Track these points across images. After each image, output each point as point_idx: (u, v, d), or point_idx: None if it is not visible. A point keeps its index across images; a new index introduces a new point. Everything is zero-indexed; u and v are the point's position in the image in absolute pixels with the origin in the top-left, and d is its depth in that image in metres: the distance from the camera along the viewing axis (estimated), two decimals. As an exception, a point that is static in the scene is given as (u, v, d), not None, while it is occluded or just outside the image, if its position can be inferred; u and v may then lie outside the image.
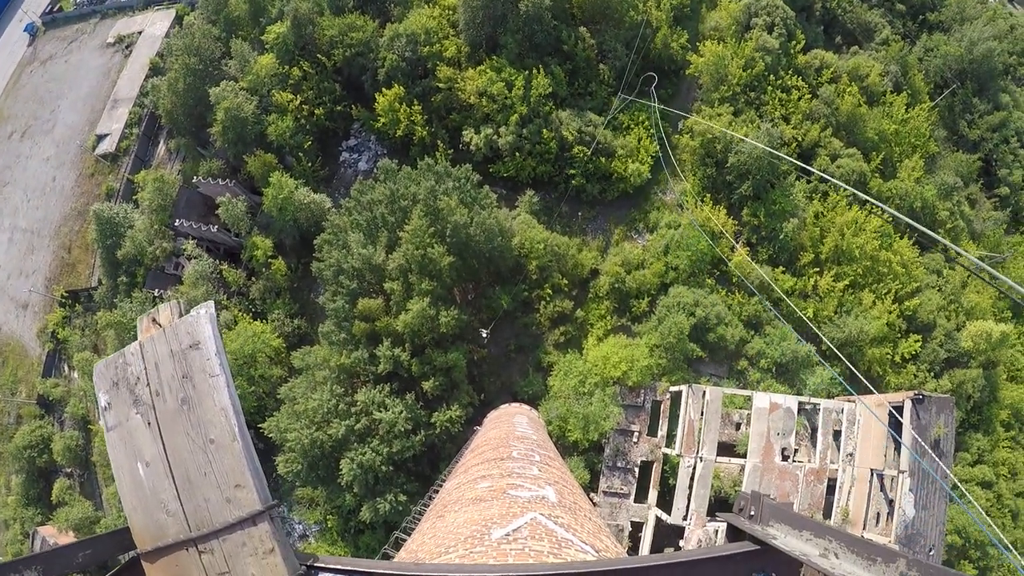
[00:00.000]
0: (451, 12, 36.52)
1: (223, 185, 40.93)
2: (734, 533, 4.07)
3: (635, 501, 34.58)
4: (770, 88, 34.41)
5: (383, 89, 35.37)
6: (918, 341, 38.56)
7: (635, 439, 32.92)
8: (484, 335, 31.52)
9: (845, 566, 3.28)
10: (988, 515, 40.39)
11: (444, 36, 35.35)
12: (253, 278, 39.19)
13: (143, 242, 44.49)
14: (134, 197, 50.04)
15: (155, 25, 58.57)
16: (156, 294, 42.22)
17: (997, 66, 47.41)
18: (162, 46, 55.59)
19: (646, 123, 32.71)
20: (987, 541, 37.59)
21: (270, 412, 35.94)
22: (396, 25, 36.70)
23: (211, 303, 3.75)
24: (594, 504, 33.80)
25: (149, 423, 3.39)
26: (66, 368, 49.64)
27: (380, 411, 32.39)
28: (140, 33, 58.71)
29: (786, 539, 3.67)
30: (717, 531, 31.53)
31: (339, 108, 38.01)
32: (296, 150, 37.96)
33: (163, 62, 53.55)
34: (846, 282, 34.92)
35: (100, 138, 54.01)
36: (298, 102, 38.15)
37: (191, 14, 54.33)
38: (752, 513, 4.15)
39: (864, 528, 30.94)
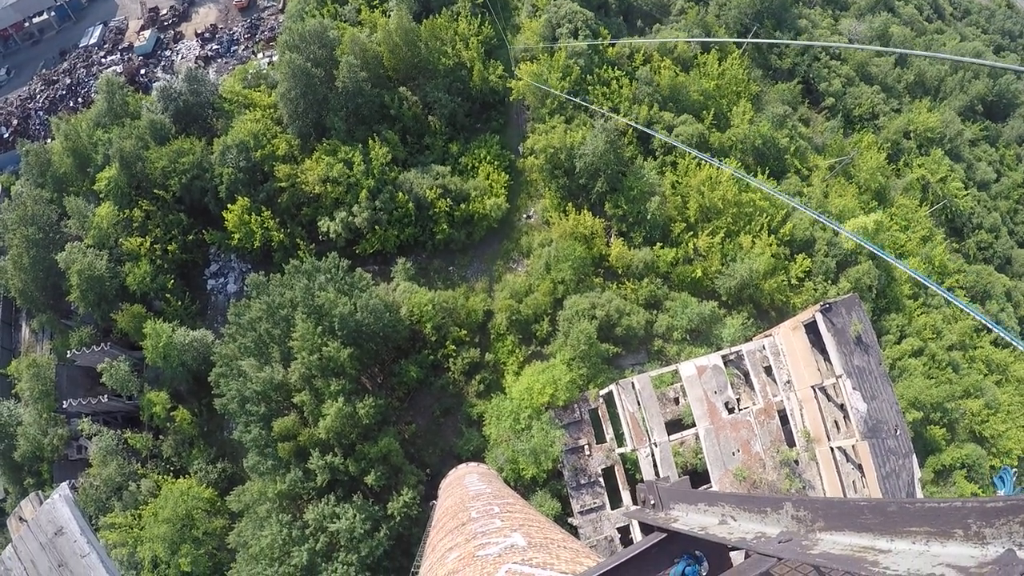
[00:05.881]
0: (272, 110, 36.27)
1: (99, 351, 38.32)
2: (646, 526, 4.00)
3: (612, 508, 34.75)
4: (591, 87, 36.41)
5: (228, 205, 34.47)
6: (806, 259, 41.55)
7: (587, 452, 33.22)
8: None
9: (743, 526, 3.28)
10: (930, 376, 43.77)
11: (272, 136, 35.03)
12: (161, 436, 36.73)
13: (37, 435, 40.88)
14: (13, 391, 46.04)
15: (-17, 203, 54.35)
16: (70, 485, 38.76)
17: (786, -3, 52.67)
18: (-4, 224, 51.69)
19: (488, 158, 33.65)
20: (942, 399, 40.70)
21: (227, 566, 33.79)
22: (223, 138, 36.03)
23: (65, 485, 3.36)
24: (575, 527, 33.71)
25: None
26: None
27: (334, 522, 31.13)
28: (-32, 218, 54.23)
29: (688, 517, 3.63)
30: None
31: (191, 237, 36.67)
32: (161, 292, 36.18)
33: (2, 240, 49.91)
34: (721, 234, 37.16)
35: (-45, 343, 49.17)
36: (148, 243, 36.49)
37: (17, 182, 51.00)
38: (653, 502, 4.10)
39: (830, 439, 32.38)
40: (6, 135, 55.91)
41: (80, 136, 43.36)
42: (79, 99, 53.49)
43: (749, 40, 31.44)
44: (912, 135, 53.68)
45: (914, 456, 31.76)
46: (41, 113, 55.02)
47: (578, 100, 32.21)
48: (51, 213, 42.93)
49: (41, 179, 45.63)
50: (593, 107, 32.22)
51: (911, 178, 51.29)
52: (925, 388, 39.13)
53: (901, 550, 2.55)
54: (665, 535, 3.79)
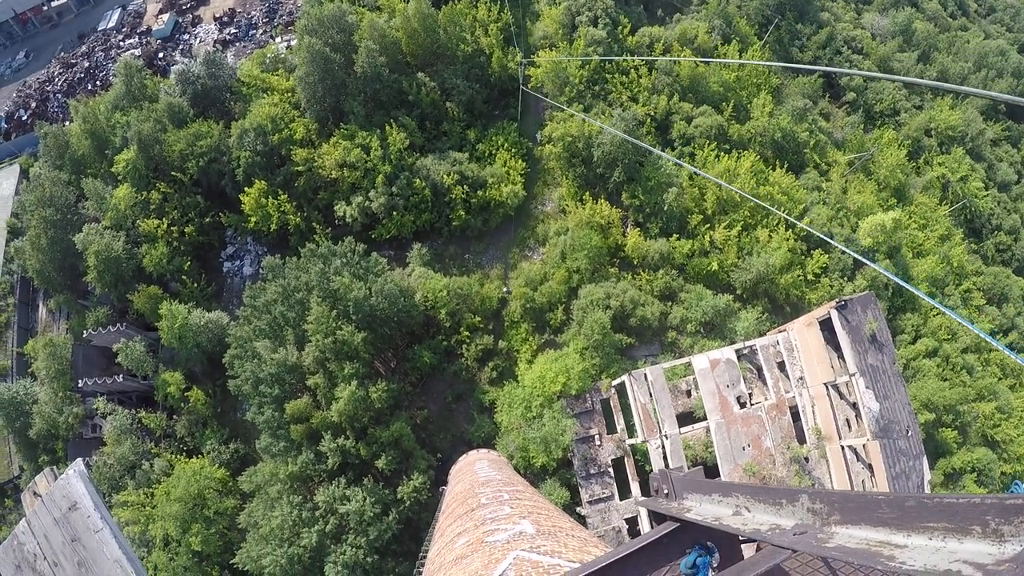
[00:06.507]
0: (290, 94, 36.28)
1: (115, 331, 38.72)
2: (658, 515, 3.92)
3: (621, 499, 34.68)
4: (610, 76, 36.04)
5: (245, 188, 34.56)
6: (823, 255, 41.05)
7: (598, 442, 33.14)
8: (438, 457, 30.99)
9: (758, 517, 3.21)
10: (943, 379, 43.20)
11: (290, 120, 35.04)
12: (174, 416, 37.09)
13: (52, 414, 41.42)
14: (29, 370, 46.67)
15: (2, 185, 55.05)
16: (84, 463, 39.41)
17: (808, -10, 51.78)
18: (15, 205, 52.44)
19: (505, 145, 33.47)
20: (955, 402, 40.16)
21: (237, 545, 34.14)
22: (241, 122, 36.09)
23: (79, 461, 3.44)
24: (583, 516, 33.70)
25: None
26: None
27: (344, 504, 31.34)
28: (-12, 197, 55.03)
29: (701, 507, 3.55)
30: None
31: (207, 220, 36.85)
32: (178, 274, 36.42)
33: (20, 222, 50.55)
34: (738, 228, 36.79)
35: (-26, 321, 49.90)
36: (165, 225, 36.72)
37: (35, 164, 51.57)
38: (666, 491, 4.02)
39: (840, 438, 32.06)
40: (25, 117, 56.45)
41: (98, 119, 43.63)
42: (97, 82, 53.85)
43: (772, 64, 30.86)
44: (933, 133, 52.79)
45: (925, 458, 31.32)
46: (60, 95, 55.47)
47: (580, 114, 31.75)
48: (69, 195, 43.32)
49: (59, 161, 46.04)
50: (590, 116, 31.47)
51: (931, 176, 50.50)
52: (938, 390, 38.61)
53: (918, 545, 2.47)
54: (677, 525, 3.68)
